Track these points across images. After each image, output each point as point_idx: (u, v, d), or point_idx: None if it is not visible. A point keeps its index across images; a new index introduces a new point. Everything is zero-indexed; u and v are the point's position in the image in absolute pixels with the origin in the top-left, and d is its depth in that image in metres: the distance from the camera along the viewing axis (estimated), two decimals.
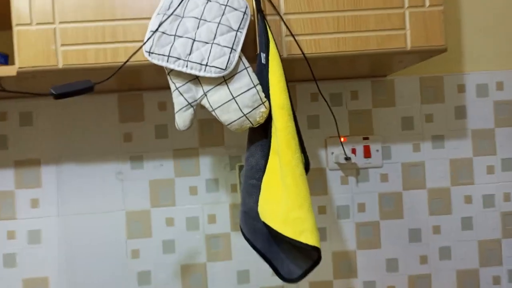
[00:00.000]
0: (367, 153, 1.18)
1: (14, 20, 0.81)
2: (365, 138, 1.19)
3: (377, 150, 1.19)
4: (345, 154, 1.11)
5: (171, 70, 0.77)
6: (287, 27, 0.84)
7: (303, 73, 0.95)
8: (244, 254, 1.17)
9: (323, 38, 0.85)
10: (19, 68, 0.81)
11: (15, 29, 0.80)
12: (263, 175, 0.80)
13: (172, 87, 0.77)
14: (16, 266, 1.13)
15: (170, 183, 1.16)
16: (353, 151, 1.18)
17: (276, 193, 0.77)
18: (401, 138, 1.21)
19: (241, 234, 1.15)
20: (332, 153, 1.17)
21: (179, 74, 0.76)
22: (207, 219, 1.17)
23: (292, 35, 0.83)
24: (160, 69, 0.87)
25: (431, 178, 1.21)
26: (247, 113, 0.75)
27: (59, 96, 0.56)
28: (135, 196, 1.16)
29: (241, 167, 1.16)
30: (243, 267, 1.17)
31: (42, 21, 0.81)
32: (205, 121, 1.17)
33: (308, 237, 0.72)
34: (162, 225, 1.16)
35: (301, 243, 0.72)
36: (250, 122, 0.76)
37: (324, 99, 0.91)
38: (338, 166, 1.19)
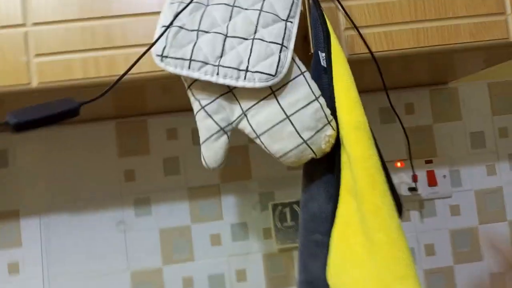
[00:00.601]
0: (432, 180, 0.94)
1: None
2: (428, 162, 0.95)
3: (444, 176, 0.95)
4: (412, 183, 0.86)
5: (194, 81, 0.53)
6: (347, 16, 0.61)
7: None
8: None
9: (396, 30, 0.62)
10: None
11: None
12: (331, 228, 0.55)
13: (196, 106, 0.53)
14: None
15: (186, 231, 0.92)
16: (414, 178, 0.93)
17: (357, 254, 0.52)
18: (471, 158, 0.97)
19: None
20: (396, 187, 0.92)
21: (206, 87, 0.53)
22: (235, 276, 0.92)
23: (356, 28, 0.60)
24: (174, 83, 0.64)
25: None
26: (308, 139, 0.51)
27: (19, 127, 0.32)
28: (142, 251, 0.91)
29: (275, 207, 0.92)
30: None
31: (7, 23, 0.58)
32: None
33: None
34: (178, 286, 0.90)
35: None
36: (313, 151, 0.52)
37: (396, 114, 0.67)
38: None
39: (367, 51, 0.60)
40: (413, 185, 0.89)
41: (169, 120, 0.93)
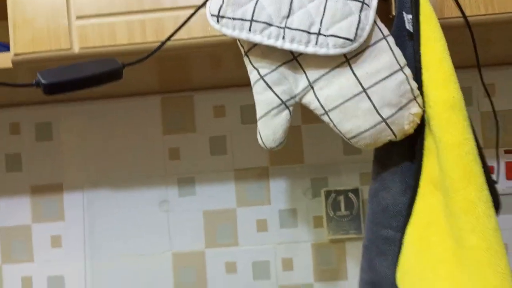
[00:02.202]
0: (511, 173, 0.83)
1: None
2: (509, 152, 0.84)
3: None
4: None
5: (254, 46, 0.46)
6: None
7: None
8: None
9: None
10: (15, 55, 0.54)
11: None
12: (406, 223, 0.47)
13: (254, 76, 0.46)
14: None
15: (231, 215, 0.88)
16: (491, 170, 0.82)
17: (437, 258, 0.44)
18: None
19: (328, 286, 0.86)
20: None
21: (266, 54, 0.46)
22: (281, 264, 0.87)
23: None
24: (226, 54, 0.57)
25: None
26: (388, 117, 0.43)
27: (52, 88, 0.27)
28: (184, 232, 0.88)
29: (328, 194, 0.86)
30: None
31: None
32: None
33: None
34: (220, 271, 0.87)
35: None
36: (393, 132, 0.44)
37: (487, 92, 0.57)
38: None
39: (460, 14, 0.50)
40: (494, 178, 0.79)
41: (217, 96, 0.89)
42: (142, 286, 0.87)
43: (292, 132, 0.88)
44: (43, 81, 0.28)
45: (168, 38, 0.42)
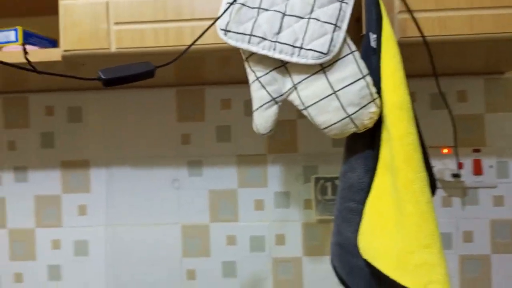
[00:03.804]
0: (477, 169, 0.94)
1: None
2: (476, 151, 0.95)
3: (491, 166, 0.94)
4: (456, 170, 0.87)
5: (252, 54, 0.58)
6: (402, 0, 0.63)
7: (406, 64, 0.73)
8: (319, 284, 0.97)
9: (450, 15, 0.63)
10: (64, 51, 0.66)
11: (61, 3, 0.66)
12: (366, 197, 0.59)
13: (251, 77, 0.59)
14: (61, 280, 1.00)
15: (232, 194, 0.99)
16: (460, 165, 0.94)
17: (387, 223, 0.56)
18: None
19: (315, 260, 0.98)
20: (433, 167, 0.94)
21: (261, 60, 0.58)
22: (274, 239, 0.98)
23: (409, 11, 0.62)
24: (232, 57, 0.70)
25: None
26: (352, 114, 0.55)
27: (109, 82, 0.40)
28: (192, 207, 0.99)
29: (317, 180, 0.97)
30: None
31: None
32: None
33: None
34: (222, 243, 0.99)
35: None
36: (355, 125, 0.56)
37: (444, 99, 0.68)
38: (440, 184, 0.95)
39: (419, 34, 0.62)
40: (456, 171, 0.90)
41: (224, 90, 1.00)
42: (154, 251, 0.99)
43: (289, 125, 0.99)
44: (103, 76, 0.40)
45: (192, 44, 0.54)
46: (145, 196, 1.00)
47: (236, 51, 0.65)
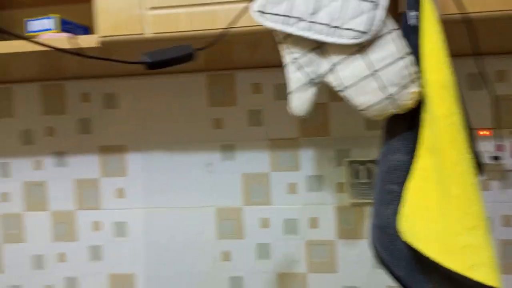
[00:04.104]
0: None
1: None
2: None
3: None
4: (495, 152, 0.84)
5: (287, 36, 0.57)
6: None
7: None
8: (353, 267, 0.97)
9: None
10: (100, 37, 0.67)
11: None
12: (407, 179, 0.58)
13: (287, 58, 0.58)
14: (102, 260, 1.05)
15: (265, 178, 1.00)
16: (499, 148, 0.90)
17: (430, 205, 0.55)
18: None
19: (349, 244, 0.98)
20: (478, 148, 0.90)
21: (298, 41, 0.57)
22: (308, 222, 0.99)
23: None
24: (262, 40, 0.69)
25: None
26: (392, 94, 0.54)
27: (154, 65, 0.40)
28: (226, 191, 1.01)
29: (350, 163, 0.96)
30: (351, 283, 0.97)
31: None
32: None
33: (483, 274, 0.50)
34: (256, 226, 1.00)
35: (472, 281, 0.50)
36: (396, 106, 0.55)
37: (484, 79, 0.65)
38: None
39: (459, 11, 0.59)
40: (496, 154, 0.86)
41: (254, 75, 0.99)
42: (189, 234, 1.02)
43: (321, 108, 0.98)
44: (148, 60, 0.41)
45: (230, 27, 0.53)
46: (180, 180, 1.02)
47: (269, 33, 0.64)
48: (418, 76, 0.54)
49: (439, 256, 0.53)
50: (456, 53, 0.88)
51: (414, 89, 0.54)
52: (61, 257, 1.07)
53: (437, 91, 0.53)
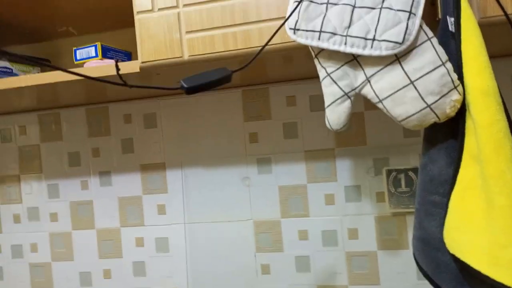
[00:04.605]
0: None
1: (135, 8, 0.71)
2: None
3: None
4: None
5: (321, 50, 0.58)
6: None
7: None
8: (395, 278, 0.94)
9: None
10: (142, 62, 0.71)
11: (136, 17, 0.71)
12: (450, 190, 0.57)
13: (322, 73, 0.59)
14: (145, 275, 1.07)
15: (302, 190, 1.00)
16: None
17: (476, 216, 0.53)
18: None
19: (390, 254, 0.95)
20: None
21: (331, 56, 0.58)
22: (347, 233, 0.97)
23: None
24: (295, 54, 0.70)
25: None
26: (432, 103, 0.53)
27: (191, 90, 0.42)
28: (263, 204, 1.02)
29: (389, 172, 0.94)
30: None
31: (164, 6, 0.70)
32: None
33: None
34: (294, 238, 1.00)
35: None
36: (436, 115, 0.54)
37: None
38: None
39: (500, 13, 0.58)
40: None
41: (288, 88, 1.01)
42: (229, 247, 1.03)
43: (356, 117, 0.97)
44: (185, 85, 0.43)
45: (265, 45, 0.55)
46: (218, 194, 1.04)
47: (302, 49, 0.65)
48: (458, 83, 0.53)
49: (488, 269, 0.51)
50: (496, 55, 0.86)
51: (454, 97, 0.53)
52: (106, 274, 1.10)
53: (479, 98, 0.52)
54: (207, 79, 0.44)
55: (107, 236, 1.10)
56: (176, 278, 1.06)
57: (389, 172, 0.95)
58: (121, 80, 0.43)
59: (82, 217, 1.12)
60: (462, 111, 0.55)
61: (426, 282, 0.93)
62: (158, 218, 1.07)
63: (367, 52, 0.54)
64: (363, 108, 0.97)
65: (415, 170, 0.93)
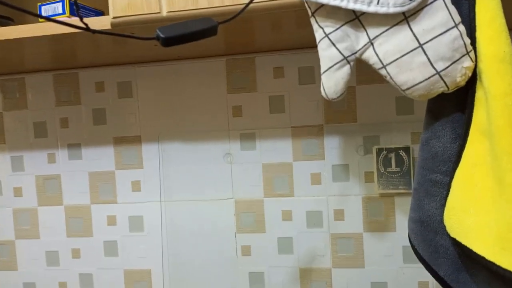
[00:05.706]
0: None
1: None
2: None
3: None
4: None
5: (320, 7, 0.51)
6: None
7: None
8: (381, 262, 0.91)
9: None
10: (113, 18, 0.63)
11: None
12: (454, 168, 0.52)
13: (319, 34, 0.52)
14: (118, 256, 1.01)
15: (287, 168, 0.94)
16: None
17: (483, 197, 0.49)
18: None
19: (377, 237, 0.92)
20: None
21: (331, 14, 0.51)
22: (333, 214, 0.93)
23: None
24: (285, 18, 0.63)
25: None
26: (442, 70, 0.48)
27: (169, 41, 0.35)
28: (245, 182, 0.96)
29: (379, 151, 0.90)
30: (379, 279, 0.92)
31: None
32: None
33: None
34: (277, 218, 0.95)
35: None
36: (445, 84, 0.48)
37: None
38: None
39: None
40: None
41: (276, 58, 0.94)
42: (208, 227, 0.97)
43: (347, 93, 0.92)
44: (162, 35, 0.36)
45: (251, 1, 0.48)
46: (198, 171, 0.97)
47: (293, 11, 0.58)
48: (471, 48, 0.48)
49: (492, 255, 0.46)
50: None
51: (466, 63, 0.48)
52: (75, 253, 1.03)
53: (494, 65, 0.46)
54: (188, 29, 0.37)
55: (76, 214, 1.02)
56: (150, 259, 1.00)
57: (379, 151, 0.90)
58: (83, 23, 0.35)
59: (48, 193, 1.03)
60: (471, 80, 0.50)
61: (412, 265, 0.90)
62: (132, 195, 1.00)
63: (372, 8, 0.47)
64: (355, 82, 0.91)
65: (406, 149, 0.89)
